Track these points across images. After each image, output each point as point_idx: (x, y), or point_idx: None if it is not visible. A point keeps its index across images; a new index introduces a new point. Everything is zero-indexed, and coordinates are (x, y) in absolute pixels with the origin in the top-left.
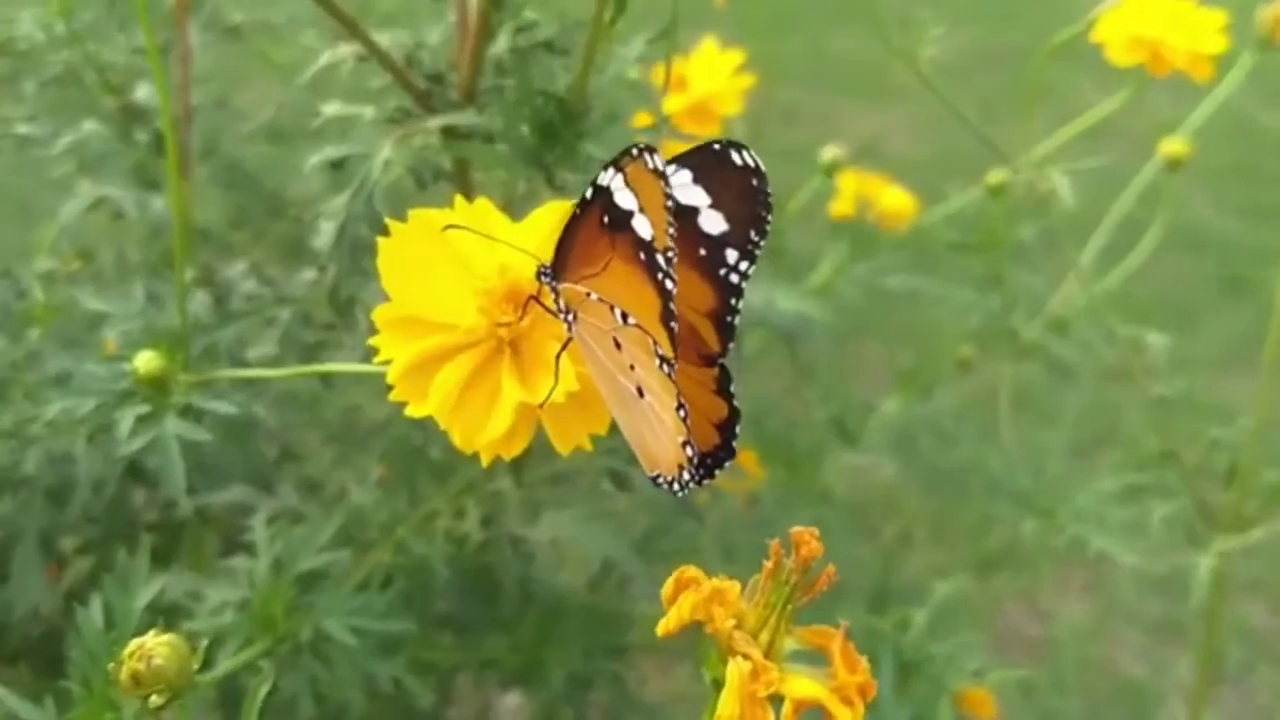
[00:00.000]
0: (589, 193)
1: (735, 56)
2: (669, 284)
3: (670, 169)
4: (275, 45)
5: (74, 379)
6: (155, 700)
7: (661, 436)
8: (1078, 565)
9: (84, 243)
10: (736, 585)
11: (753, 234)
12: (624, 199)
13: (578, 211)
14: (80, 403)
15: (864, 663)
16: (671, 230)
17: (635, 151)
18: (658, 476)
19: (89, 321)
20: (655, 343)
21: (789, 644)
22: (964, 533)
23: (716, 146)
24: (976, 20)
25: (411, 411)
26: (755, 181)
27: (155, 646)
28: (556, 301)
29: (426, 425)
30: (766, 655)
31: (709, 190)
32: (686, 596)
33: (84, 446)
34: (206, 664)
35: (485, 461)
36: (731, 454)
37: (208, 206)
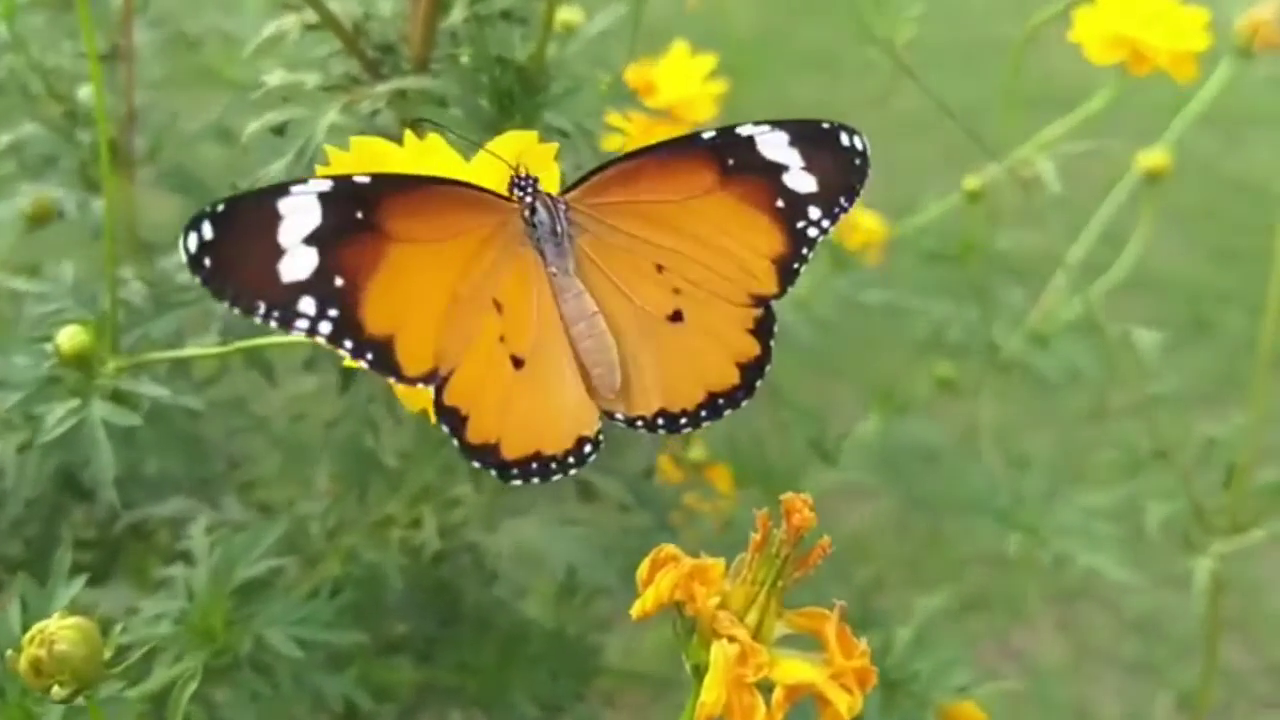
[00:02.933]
0: (710, 136)
1: (707, 61)
2: (813, 232)
3: (764, 129)
4: (226, 54)
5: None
6: (59, 692)
7: (699, 359)
8: (1053, 604)
9: (27, 258)
10: (720, 563)
11: (842, 199)
12: (777, 154)
13: (675, 145)
14: (4, 397)
15: (862, 646)
16: (846, 205)
17: (828, 125)
18: (658, 416)
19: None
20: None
21: (778, 628)
22: (937, 574)
23: (826, 125)
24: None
25: (350, 362)
26: (858, 162)
27: (59, 630)
28: (556, 217)
29: (377, 425)
30: (754, 637)
31: (804, 155)
32: (665, 574)
33: (13, 456)
34: (139, 678)
35: (434, 419)
36: (749, 394)
37: (154, 214)
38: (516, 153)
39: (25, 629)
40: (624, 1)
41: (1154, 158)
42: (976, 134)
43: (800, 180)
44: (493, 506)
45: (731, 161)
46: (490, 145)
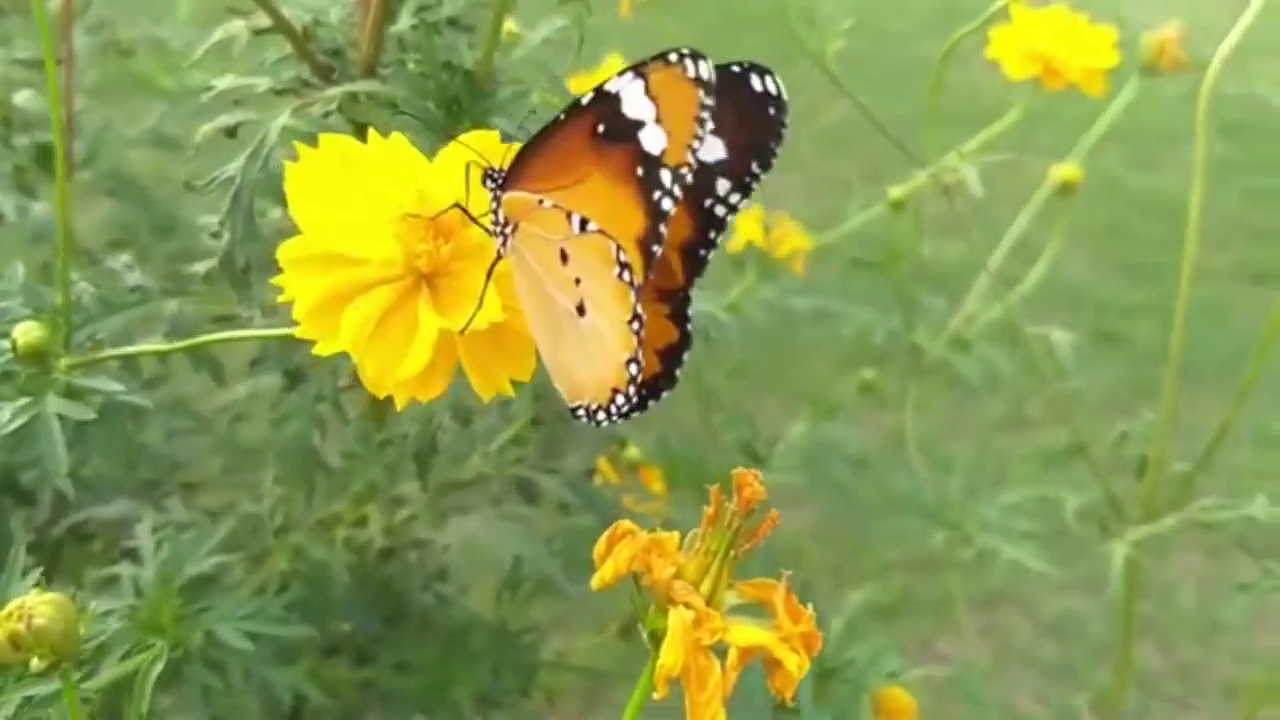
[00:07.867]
0: (586, 99)
1: None
2: (666, 204)
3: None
4: (162, 62)
5: None
6: (37, 665)
7: (597, 359)
8: (974, 609)
9: None
10: (675, 535)
11: (754, 165)
12: (637, 108)
13: (561, 117)
14: None
15: (809, 612)
16: (697, 144)
17: (675, 56)
18: (578, 408)
19: None
20: (620, 255)
21: (730, 597)
22: (863, 580)
23: (736, 68)
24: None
25: (321, 349)
26: (773, 110)
27: (37, 605)
28: (495, 213)
29: (324, 424)
30: (708, 605)
31: (713, 114)
32: (623, 546)
33: None
34: (90, 673)
35: (400, 404)
36: (672, 383)
37: (91, 223)
38: (478, 152)
39: None
40: (563, 13)
41: (1067, 170)
42: (901, 146)
43: (708, 147)
44: (437, 505)
45: (603, 129)
46: (451, 147)
